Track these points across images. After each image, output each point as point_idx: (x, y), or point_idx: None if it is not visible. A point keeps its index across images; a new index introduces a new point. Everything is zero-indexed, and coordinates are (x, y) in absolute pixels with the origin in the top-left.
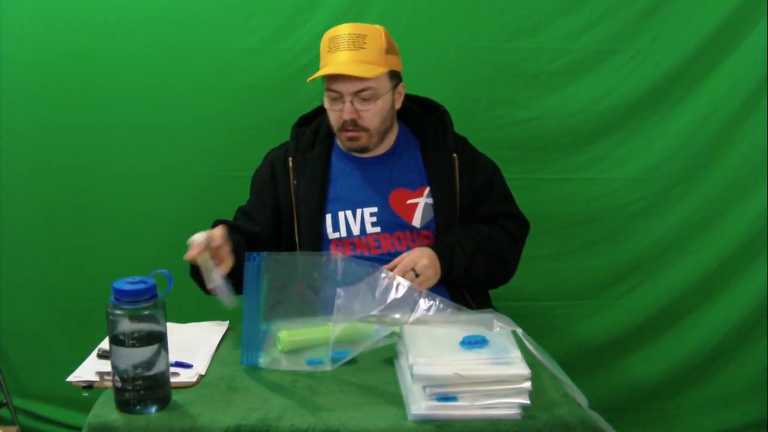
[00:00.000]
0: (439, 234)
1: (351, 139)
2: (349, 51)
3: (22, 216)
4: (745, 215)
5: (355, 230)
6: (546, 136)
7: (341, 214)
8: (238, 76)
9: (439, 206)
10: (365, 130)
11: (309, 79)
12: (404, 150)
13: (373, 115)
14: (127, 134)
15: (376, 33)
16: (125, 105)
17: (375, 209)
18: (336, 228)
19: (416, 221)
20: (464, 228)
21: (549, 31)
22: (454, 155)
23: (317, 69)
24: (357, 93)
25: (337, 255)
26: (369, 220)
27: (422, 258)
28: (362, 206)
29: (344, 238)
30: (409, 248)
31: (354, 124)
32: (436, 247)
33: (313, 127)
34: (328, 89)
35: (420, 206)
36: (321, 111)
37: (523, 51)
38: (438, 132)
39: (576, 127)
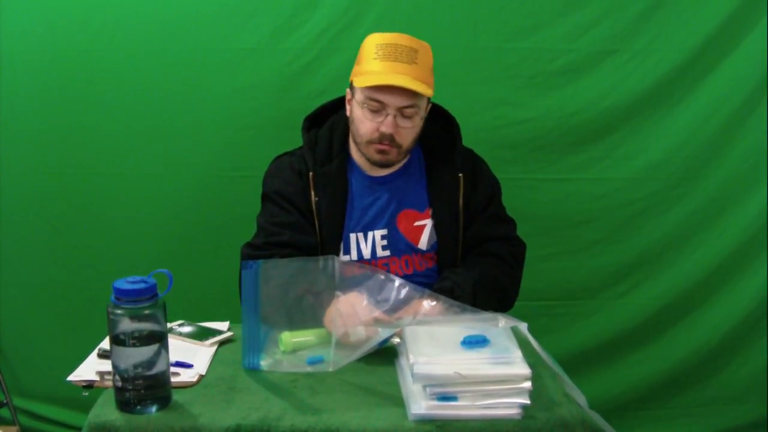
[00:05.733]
0: (439, 256)
1: (382, 152)
2: (404, 63)
3: (22, 216)
4: (745, 215)
5: (366, 253)
6: (546, 136)
7: (352, 236)
8: (238, 76)
9: (440, 228)
10: (398, 146)
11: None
12: (413, 168)
13: (409, 132)
14: (126, 134)
15: (425, 50)
16: (125, 105)
17: (385, 232)
18: (347, 250)
19: (422, 244)
20: (457, 270)
21: (549, 31)
22: (460, 175)
23: (317, 69)
24: (401, 108)
25: (336, 259)
26: (379, 243)
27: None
28: (373, 229)
29: (354, 261)
30: (416, 271)
31: (390, 139)
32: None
33: (325, 134)
34: (372, 99)
35: (427, 228)
36: (326, 112)
37: (523, 51)
38: (445, 146)
39: (576, 127)
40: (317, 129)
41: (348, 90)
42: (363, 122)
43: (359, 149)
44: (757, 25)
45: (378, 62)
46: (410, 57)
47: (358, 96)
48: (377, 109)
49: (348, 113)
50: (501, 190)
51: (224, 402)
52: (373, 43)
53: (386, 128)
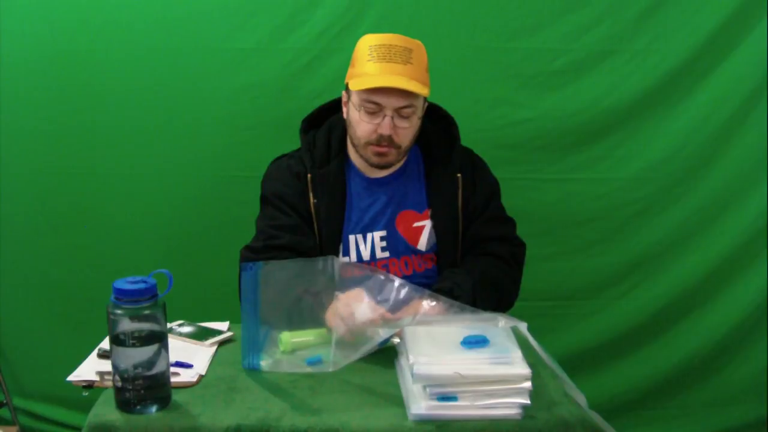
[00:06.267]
0: (438, 257)
1: (380, 154)
2: (396, 64)
3: (22, 216)
4: (745, 215)
5: (365, 255)
6: (546, 136)
7: (351, 238)
8: (238, 76)
9: (439, 229)
10: (397, 147)
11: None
12: (412, 168)
13: (408, 133)
14: (126, 134)
15: (419, 48)
16: (125, 105)
17: (384, 233)
18: (346, 252)
19: (422, 245)
20: (457, 270)
21: (549, 31)
22: (458, 175)
23: (317, 69)
24: (399, 109)
25: (335, 260)
26: (379, 244)
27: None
28: (372, 230)
29: (354, 262)
30: (415, 272)
31: (389, 140)
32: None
33: (323, 136)
34: (368, 101)
35: (426, 229)
36: (324, 113)
37: (523, 51)
38: (443, 147)
39: (576, 127)
40: (315, 130)
41: (344, 92)
42: (360, 124)
43: (357, 151)
44: (757, 25)
45: (373, 64)
46: (405, 57)
47: (355, 98)
48: (374, 110)
49: (344, 115)
50: (500, 190)
51: (224, 402)
52: (367, 44)
53: (384, 130)
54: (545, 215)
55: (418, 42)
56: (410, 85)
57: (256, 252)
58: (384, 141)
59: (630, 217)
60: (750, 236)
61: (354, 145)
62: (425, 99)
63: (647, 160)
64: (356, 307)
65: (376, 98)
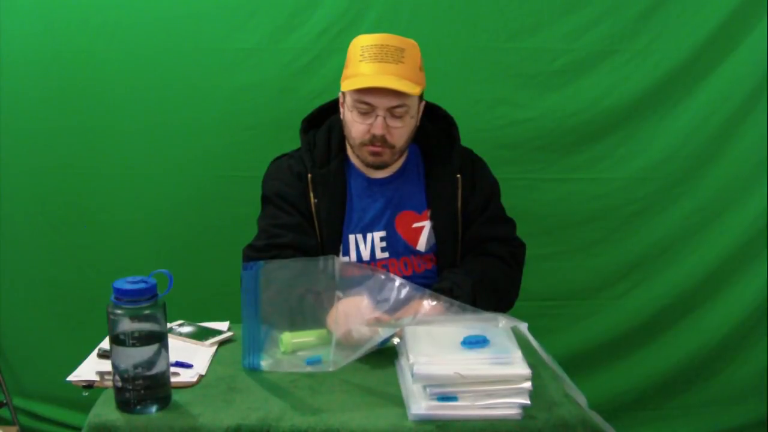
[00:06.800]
0: (438, 258)
1: (375, 154)
2: (388, 63)
3: (22, 216)
4: (745, 215)
5: (365, 255)
6: (546, 136)
7: (351, 238)
8: (238, 76)
9: (439, 230)
10: (391, 147)
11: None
12: (411, 169)
13: (402, 132)
14: (126, 134)
15: (412, 48)
16: (125, 105)
17: (383, 233)
18: (346, 252)
19: (421, 246)
20: (456, 270)
21: (549, 31)
22: (458, 176)
23: (317, 69)
24: (391, 109)
25: (336, 259)
26: (379, 245)
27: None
28: (372, 230)
29: (354, 262)
30: (415, 273)
31: (382, 140)
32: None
33: (323, 136)
34: (360, 101)
35: (425, 230)
36: (324, 113)
37: (523, 51)
38: (443, 147)
39: (576, 127)
40: (315, 130)
41: (340, 93)
42: (354, 125)
43: (354, 151)
44: (757, 25)
45: (364, 64)
46: (396, 56)
47: (348, 99)
48: (367, 111)
49: (342, 116)
50: (500, 191)
51: (224, 402)
52: (359, 45)
53: (377, 130)
54: (545, 215)
55: (412, 41)
56: (400, 85)
57: (259, 251)
58: (377, 141)
59: (630, 217)
60: (750, 236)
61: (350, 145)
62: (421, 98)
63: (647, 160)
64: (355, 321)
65: (367, 98)
